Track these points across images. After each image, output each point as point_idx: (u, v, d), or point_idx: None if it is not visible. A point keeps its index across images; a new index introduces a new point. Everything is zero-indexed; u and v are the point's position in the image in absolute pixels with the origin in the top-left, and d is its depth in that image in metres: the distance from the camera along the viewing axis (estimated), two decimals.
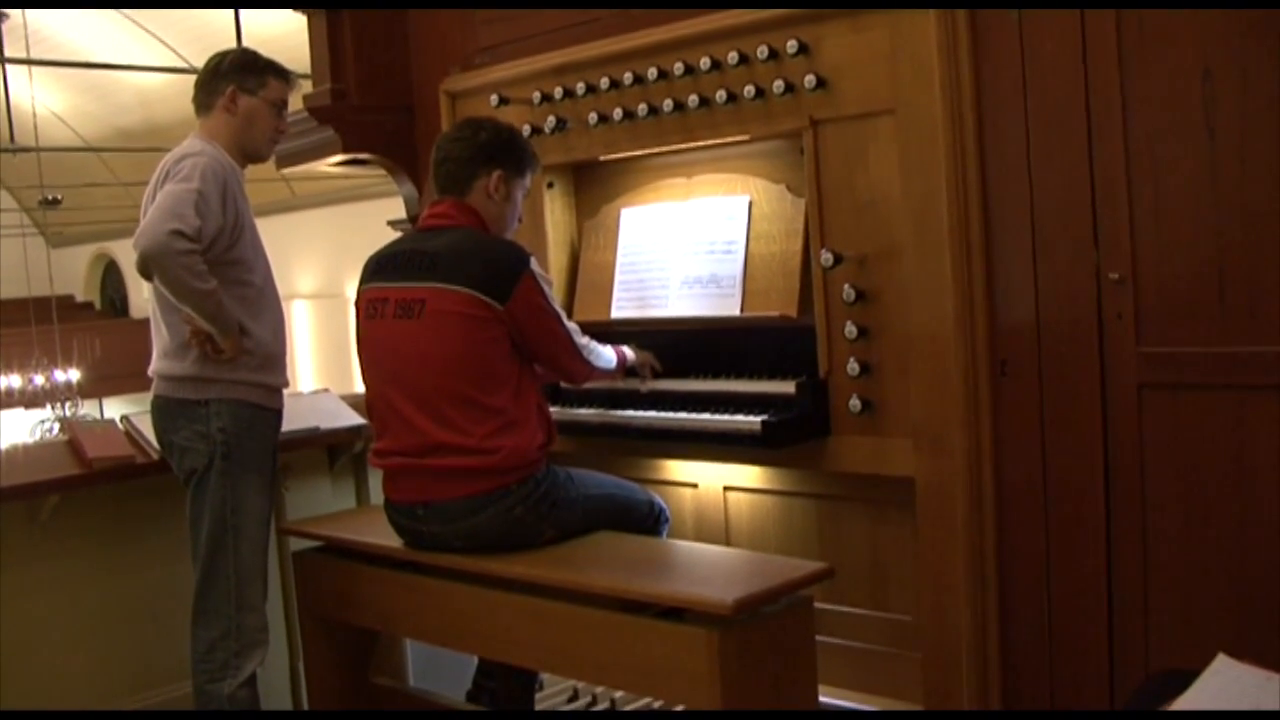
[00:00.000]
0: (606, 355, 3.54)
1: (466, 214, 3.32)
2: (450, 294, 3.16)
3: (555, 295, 3.34)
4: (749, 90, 3.35)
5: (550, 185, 4.00)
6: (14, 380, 16.50)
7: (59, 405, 16.46)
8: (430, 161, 3.41)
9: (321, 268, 17.07)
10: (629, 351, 3.66)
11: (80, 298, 23.95)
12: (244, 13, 10.13)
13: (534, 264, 3.24)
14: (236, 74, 3.46)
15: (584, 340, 3.43)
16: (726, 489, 3.75)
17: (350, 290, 15.60)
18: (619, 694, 3.77)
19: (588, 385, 3.67)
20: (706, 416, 3.46)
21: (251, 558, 3.39)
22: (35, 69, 14.70)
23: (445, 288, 3.16)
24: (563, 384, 3.79)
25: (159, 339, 3.44)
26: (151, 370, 3.46)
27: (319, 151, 4.45)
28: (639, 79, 3.61)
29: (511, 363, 3.21)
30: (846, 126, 3.23)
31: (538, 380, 3.35)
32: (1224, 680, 2.02)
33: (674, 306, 3.71)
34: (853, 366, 3.23)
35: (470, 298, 3.14)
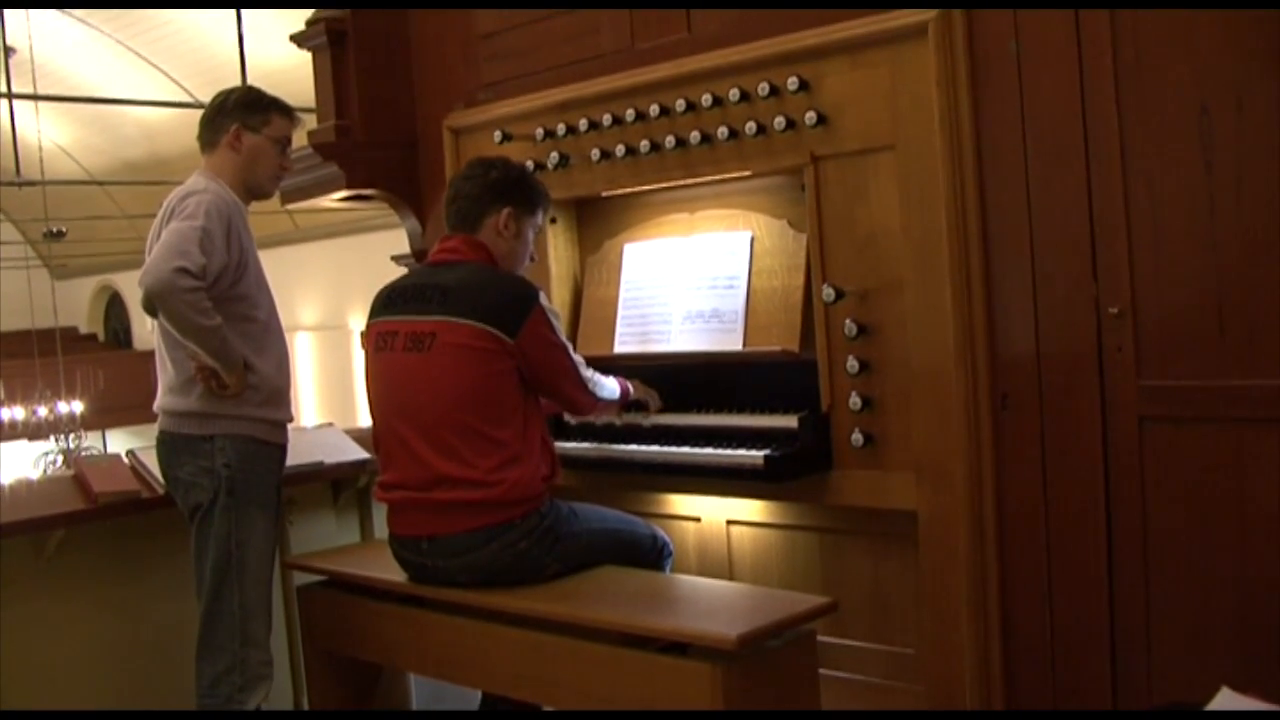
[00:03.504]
0: (610, 387, 3.56)
1: (476, 250, 3.35)
2: (461, 327, 3.18)
3: (562, 329, 3.36)
4: (750, 126, 3.37)
5: (553, 221, 4.02)
6: (18, 412, 16.50)
7: (62, 437, 16.47)
8: (443, 199, 3.44)
9: (324, 300, 17.10)
10: (630, 385, 3.67)
11: (84, 330, 23.99)
12: (248, 47, 10.16)
13: (543, 298, 3.27)
14: (241, 112, 3.49)
15: (589, 373, 3.45)
16: (729, 523, 3.75)
17: (353, 323, 15.70)
18: None
19: (590, 419, 3.70)
20: (709, 451, 3.47)
21: (256, 592, 3.39)
22: (41, 103, 14.78)
23: (456, 321, 3.19)
24: (566, 417, 3.81)
25: (164, 375, 3.45)
26: (157, 406, 3.47)
27: (323, 187, 4.48)
28: (641, 115, 3.63)
29: (519, 396, 3.23)
30: (847, 162, 3.26)
31: (543, 413, 3.36)
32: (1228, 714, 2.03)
33: (676, 341, 3.72)
34: (854, 401, 3.24)
35: (480, 331, 3.16)
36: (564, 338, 3.35)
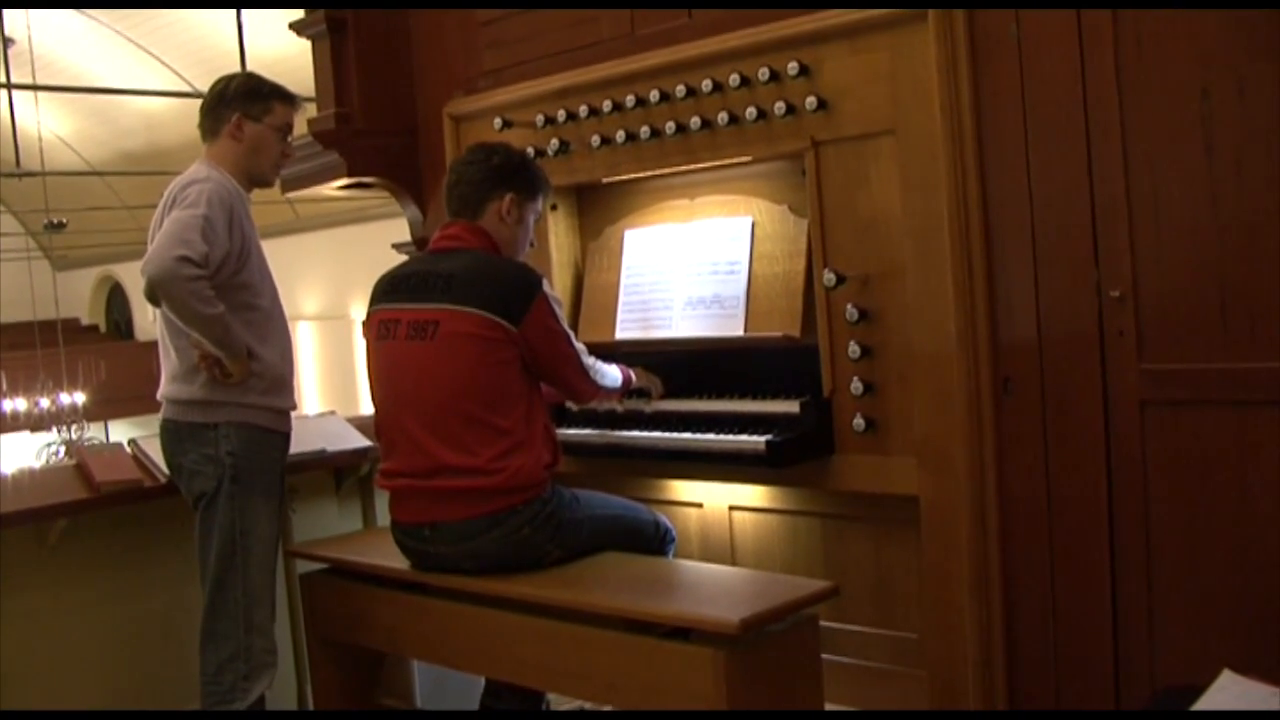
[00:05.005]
0: (612, 374, 3.56)
1: (478, 236, 3.35)
2: (464, 315, 3.18)
3: (565, 316, 3.36)
4: (750, 112, 3.37)
5: (554, 207, 4.02)
6: (20, 404, 16.52)
7: (65, 428, 16.48)
8: (443, 185, 3.43)
9: (326, 289, 17.10)
10: (632, 372, 3.68)
11: (85, 321, 23.99)
12: (248, 35, 10.15)
13: (546, 285, 3.27)
14: (242, 100, 3.49)
15: (590, 360, 3.45)
16: (731, 508, 3.76)
17: (355, 312, 15.70)
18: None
19: (592, 406, 3.70)
20: (711, 437, 3.47)
21: (260, 580, 3.40)
22: (41, 94, 14.76)
23: (459, 309, 3.19)
24: (568, 404, 3.81)
25: (168, 363, 3.45)
26: (160, 394, 3.47)
27: (324, 175, 4.48)
28: (641, 101, 3.63)
29: (522, 384, 3.24)
30: (847, 147, 3.25)
31: (545, 401, 3.37)
32: (1229, 696, 2.03)
33: (678, 327, 3.73)
34: (856, 385, 3.24)
35: (484, 319, 3.16)
36: (566, 325, 3.35)
